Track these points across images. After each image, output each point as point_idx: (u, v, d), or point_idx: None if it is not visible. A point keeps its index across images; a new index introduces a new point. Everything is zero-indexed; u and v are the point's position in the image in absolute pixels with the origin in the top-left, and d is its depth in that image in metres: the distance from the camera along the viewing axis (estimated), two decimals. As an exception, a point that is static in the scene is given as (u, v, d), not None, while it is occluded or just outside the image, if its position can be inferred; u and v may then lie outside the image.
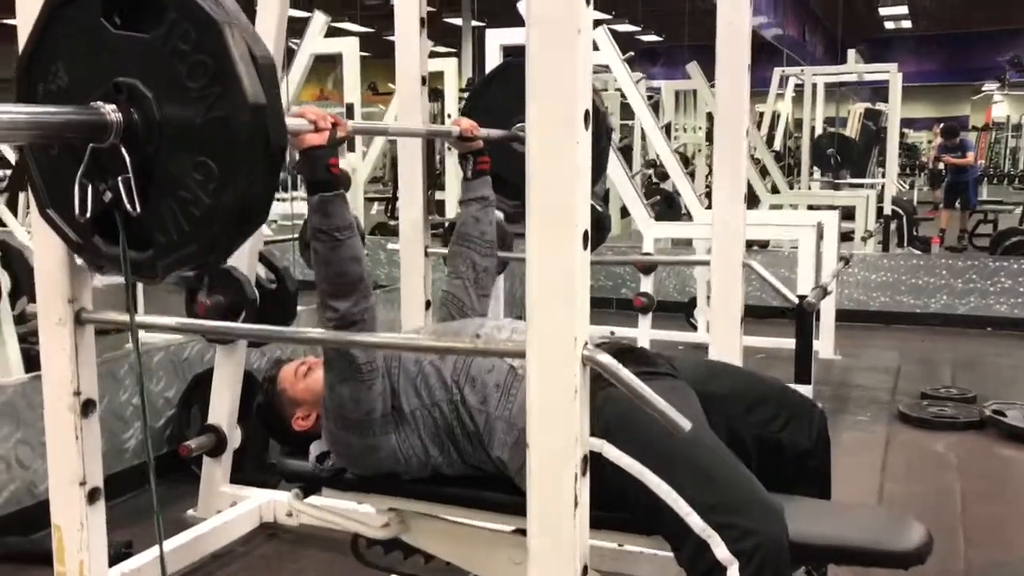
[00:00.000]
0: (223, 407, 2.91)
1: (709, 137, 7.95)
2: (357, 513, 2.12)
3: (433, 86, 7.37)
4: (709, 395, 1.85)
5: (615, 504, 1.61)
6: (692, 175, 7.68)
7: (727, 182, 2.34)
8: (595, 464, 1.41)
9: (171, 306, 3.24)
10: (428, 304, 2.66)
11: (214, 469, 2.97)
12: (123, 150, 1.24)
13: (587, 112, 1.23)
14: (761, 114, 9.82)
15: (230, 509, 2.87)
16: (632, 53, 5.44)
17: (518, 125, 2.52)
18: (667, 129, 7.57)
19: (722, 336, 2.27)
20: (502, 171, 2.49)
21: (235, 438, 2.96)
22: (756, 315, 6.34)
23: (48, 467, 1.64)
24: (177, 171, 1.24)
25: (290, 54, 4.96)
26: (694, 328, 5.64)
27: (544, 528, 1.28)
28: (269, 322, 2.82)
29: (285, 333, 2.23)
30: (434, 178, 2.65)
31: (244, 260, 2.80)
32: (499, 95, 2.64)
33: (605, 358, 1.26)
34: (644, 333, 4.54)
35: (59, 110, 1.23)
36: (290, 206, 4.88)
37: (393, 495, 1.93)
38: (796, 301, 2.42)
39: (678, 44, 15.70)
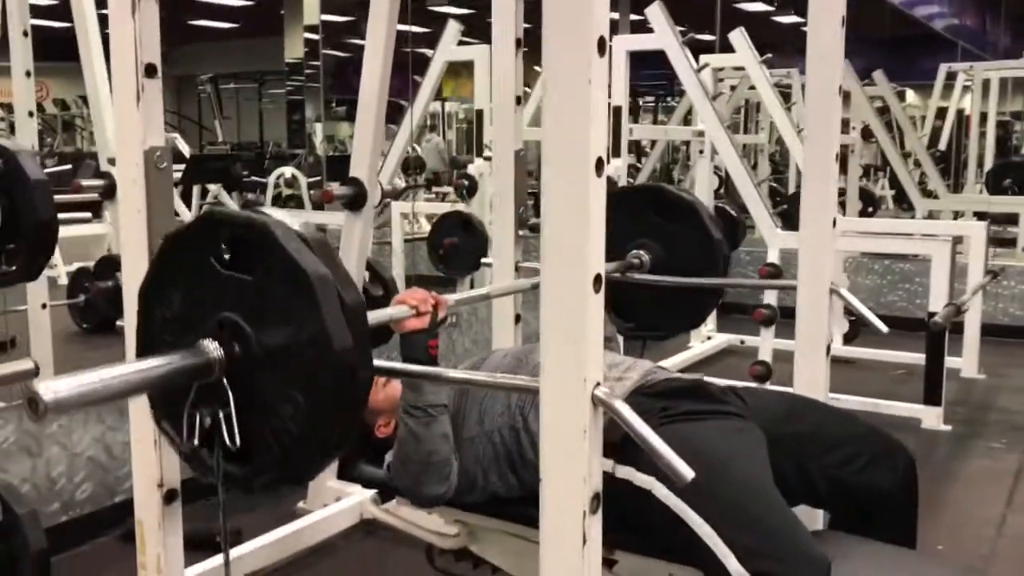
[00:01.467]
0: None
1: (865, 135, 7.61)
2: (429, 521, 2.20)
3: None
4: (781, 436, 1.81)
5: (658, 532, 1.62)
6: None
7: (815, 196, 2.21)
8: (643, 493, 1.43)
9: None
10: (518, 318, 2.71)
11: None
12: (226, 385, 1.33)
13: (600, 160, 1.25)
14: (923, 116, 9.31)
15: (334, 504, 3.03)
16: (770, 55, 5.28)
17: (632, 253, 2.57)
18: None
19: (807, 369, 2.18)
20: (616, 297, 2.57)
21: (342, 437, 3.11)
22: (901, 327, 6.07)
23: (133, 469, 1.79)
24: (272, 401, 1.33)
25: (426, 62, 5.13)
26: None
27: (552, 566, 1.31)
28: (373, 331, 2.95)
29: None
30: (525, 195, 2.69)
31: (352, 272, 2.93)
32: (611, 224, 2.67)
33: (618, 403, 1.28)
34: (767, 343, 4.43)
35: (167, 361, 1.32)
36: (411, 206, 5.03)
37: (459, 508, 2.00)
38: (885, 330, 2.31)
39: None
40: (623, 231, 2.58)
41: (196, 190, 10.95)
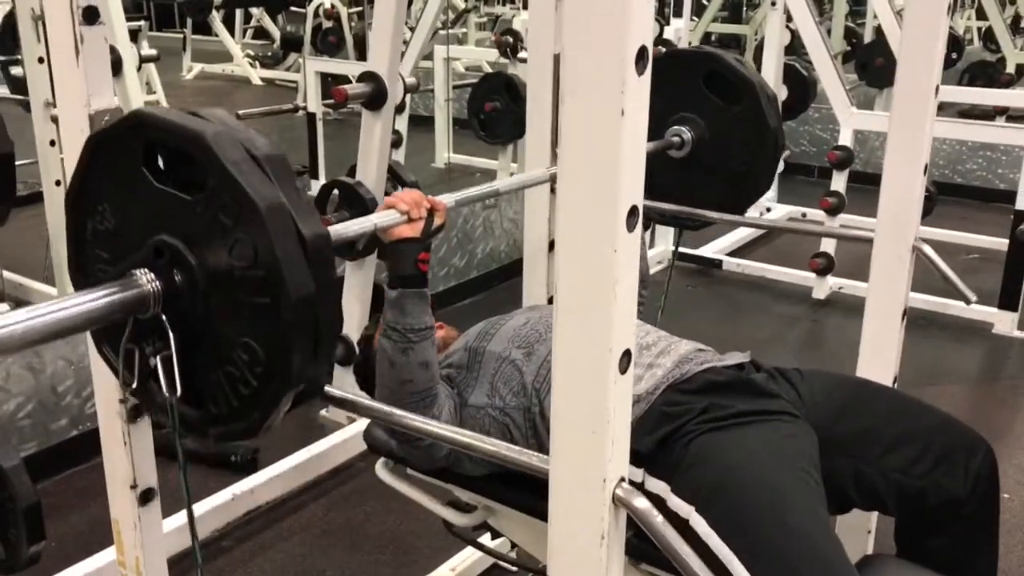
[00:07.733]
0: (353, 319, 2.86)
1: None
2: (445, 493, 2.02)
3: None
4: (837, 435, 1.56)
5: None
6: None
7: (904, 136, 1.78)
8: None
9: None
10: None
11: (344, 376, 2.96)
12: (165, 321, 1.11)
13: (633, 209, 0.94)
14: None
15: (354, 424, 2.89)
16: None
17: (672, 129, 2.23)
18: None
19: (875, 339, 1.88)
20: (651, 177, 2.25)
21: (364, 349, 2.93)
22: (979, 198, 5.63)
23: (104, 468, 1.60)
24: (224, 344, 1.10)
25: None
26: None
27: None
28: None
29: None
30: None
31: (372, 176, 2.65)
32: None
33: (642, 503, 1.03)
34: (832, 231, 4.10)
35: (94, 296, 1.10)
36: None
37: (466, 488, 1.81)
38: (973, 299, 1.98)
39: None
40: (665, 101, 2.24)
41: (239, 14, 10.50)
